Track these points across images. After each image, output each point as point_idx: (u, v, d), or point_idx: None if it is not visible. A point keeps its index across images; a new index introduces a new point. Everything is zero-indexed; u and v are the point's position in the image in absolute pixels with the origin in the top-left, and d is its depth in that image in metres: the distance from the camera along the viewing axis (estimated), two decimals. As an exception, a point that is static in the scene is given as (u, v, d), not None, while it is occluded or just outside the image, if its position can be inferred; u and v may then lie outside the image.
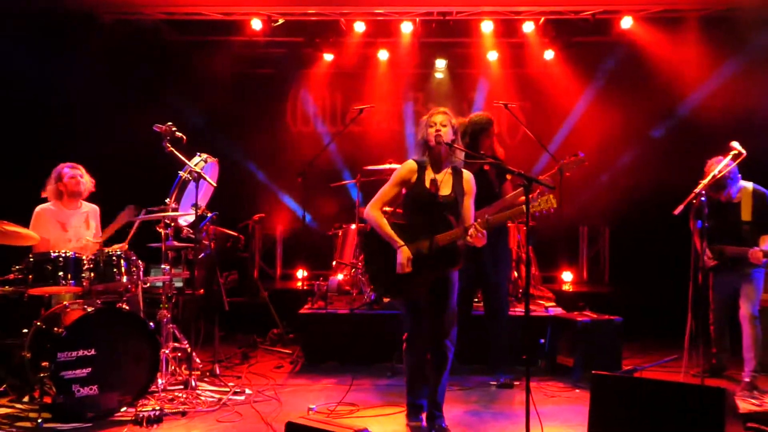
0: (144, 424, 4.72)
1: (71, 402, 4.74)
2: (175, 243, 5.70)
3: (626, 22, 8.11)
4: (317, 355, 6.56)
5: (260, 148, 9.19)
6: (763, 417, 4.73)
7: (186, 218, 5.86)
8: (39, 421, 4.64)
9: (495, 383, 5.80)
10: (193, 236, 5.79)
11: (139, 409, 4.92)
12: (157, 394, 5.21)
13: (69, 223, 5.70)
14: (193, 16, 8.25)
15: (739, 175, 5.68)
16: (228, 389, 5.50)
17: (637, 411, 3.93)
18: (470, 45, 8.95)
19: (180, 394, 5.28)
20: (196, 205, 5.40)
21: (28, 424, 4.75)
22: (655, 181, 7.77)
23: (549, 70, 8.91)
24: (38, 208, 5.67)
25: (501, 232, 5.98)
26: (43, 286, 5.08)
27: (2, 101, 7.36)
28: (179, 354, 5.76)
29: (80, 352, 4.79)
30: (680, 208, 5.18)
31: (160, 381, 5.28)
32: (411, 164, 4.59)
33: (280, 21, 8.32)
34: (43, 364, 4.65)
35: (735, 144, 5.37)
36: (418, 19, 8.37)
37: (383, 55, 9.03)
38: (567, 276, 8.86)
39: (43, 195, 5.72)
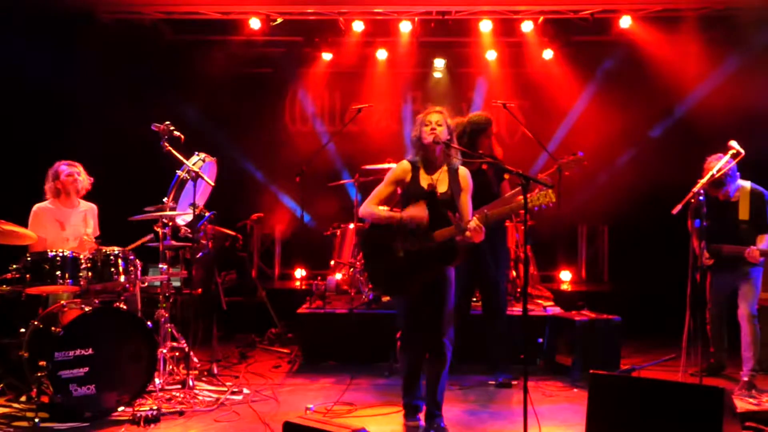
0: (141, 423, 4.72)
1: (68, 401, 4.73)
2: (173, 242, 5.70)
3: (625, 22, 8.11)
4: (315, 355, 6.55)
5: (259, 148, 9.19)
6: (762, 416, 4.72)
7: (184, 217, 5.85)
8: (36, 420, 4.63)
9: (493, 382, 5.80)
10: (191, 236, 5.78)
11: (136, 409, 4.92)
12: (154, 394, 5.21)
13: (67, 221, 5.70)
14: (191, 16, 8.24)
15: (738, 174, 5.67)
16: (226, 389, 5.50)
17: (635, 410, 3.92)
18: (469, 44, 8.94)
19: (178, 394, 5.28)
20: (194, 205, 5.40)
21: (25, 424, 4.73)
22: (654, 181, 7.76)
23: (548, 69, 8.90)
24: (36, 207, 5.66)
25: (499, 232, 5.97)
26: (40, 285, 5.08)
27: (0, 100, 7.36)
28: (177, 353, 5.74)
29: (78, 352, 4.79)
30: (678, 207, 5.18)
31: (157, 380, 5.28)
32: (405, 164, 4.60)
33: (279, 20, 8.31)
34: (41, 363, 4.65)
35: (733, 143, 5.37)
36: (416, 19, 8.36)
37: (382, 54, 9.02)
38: (565, 275, 8.85)
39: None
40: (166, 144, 5.37)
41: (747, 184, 5.78)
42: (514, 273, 7.17)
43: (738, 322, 5.75)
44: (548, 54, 8.72)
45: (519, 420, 4.09)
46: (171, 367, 5.61)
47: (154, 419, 4.76)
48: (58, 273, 5.04)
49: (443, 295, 4.54)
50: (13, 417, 4.92)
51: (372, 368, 6.22)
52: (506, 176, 5.82)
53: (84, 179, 5.76)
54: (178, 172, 5.63)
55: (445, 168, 4.56)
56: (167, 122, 5.40)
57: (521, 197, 4.05)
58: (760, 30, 7.35)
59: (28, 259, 5.07)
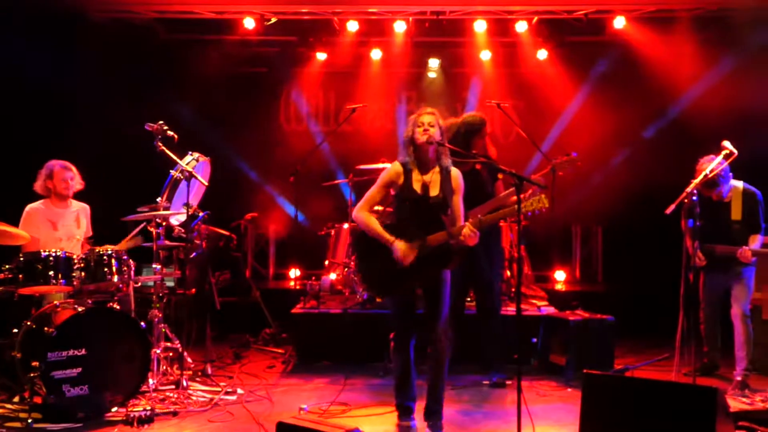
0: (135, 424, 4.70)
1: (62, 402, 4.72)
2: (167, 242, 5.69)
3: (619, 22, 8.12)
4: (310, 355, 6.55)
5: (253, 147, 9.15)
6: (755, 416, 4.74)
7: (178, 217, 5.84)
8: (29, 421, 4.61)
9: (487, 382, 5.81)
10: (184, 235, 5.76)
11: (130, 409, 4.90)
12: (148, 394, 5.19)
13: (59, 222, 5.68)
14: (185, 15, 8.21)
15: (731, 174, 5.69)
16: (220, 389, 5.49)
17: (628, 410, 3.93)
18: (463, 44, 8.94)
19: (171, 394, 5.27)
20: (187, 204, 5.38)
21: (18, 425, 4.72)
22: (648, 181, 7.78)
23: (542, 69, 8.91)
24: (28, 207, 5.64)
25: (493, 232, 5.97)
26: (33, 285, 5.06)
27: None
28: (171, 354, 5.73)
29: (71, 352, 4.77)
30: (672, 207, 5.20)
31: (151, 381, 5.26)
32: (397, 166, 4.59)
33: (273, 20, 8.29)
34: (34, 364, 4.63)
35: (726, 143, 5.39)
36: (411, 19, 8.35)
37: (376, 54, 9.01)
38: (560, 275, 8.87)
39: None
40: (160, 143, 5.37)
41: (740, 185, 5.80)
42: (508, 273, 7.18)
43: (731, 322, 5.77)
44: (542, 54, 8.73)
45: (513, 420, 4.10)
46: (165, 367, 5.60)
47: (147, 420, 4.75)
48: (51, 273, 5.02)
49: (439, 297, 4.54)
50: (6, 418, 4.90)
51: (366, 368, 6.22)
52: (500, 176, 5.82)
53: (77, 182, 5.72)
54: (172, 172, 5.61)
55: (437, 169, 4.56)
56: (161, 122, 5.39)
57: (515, 198, 4.06)
58: (754, 30, 7.36)
59: (21, 259, 5.05)
